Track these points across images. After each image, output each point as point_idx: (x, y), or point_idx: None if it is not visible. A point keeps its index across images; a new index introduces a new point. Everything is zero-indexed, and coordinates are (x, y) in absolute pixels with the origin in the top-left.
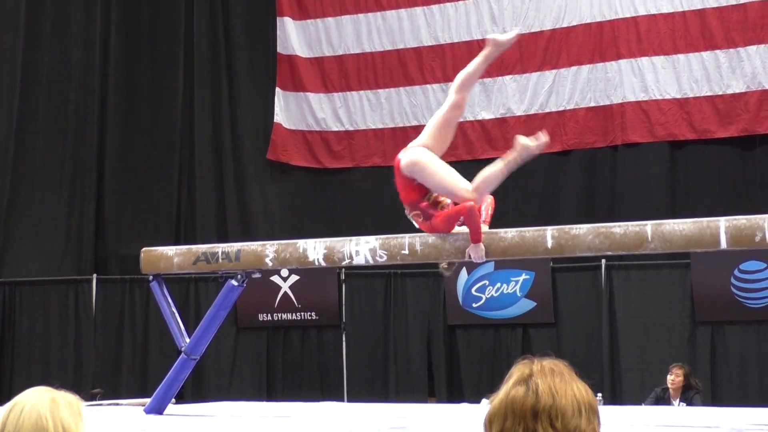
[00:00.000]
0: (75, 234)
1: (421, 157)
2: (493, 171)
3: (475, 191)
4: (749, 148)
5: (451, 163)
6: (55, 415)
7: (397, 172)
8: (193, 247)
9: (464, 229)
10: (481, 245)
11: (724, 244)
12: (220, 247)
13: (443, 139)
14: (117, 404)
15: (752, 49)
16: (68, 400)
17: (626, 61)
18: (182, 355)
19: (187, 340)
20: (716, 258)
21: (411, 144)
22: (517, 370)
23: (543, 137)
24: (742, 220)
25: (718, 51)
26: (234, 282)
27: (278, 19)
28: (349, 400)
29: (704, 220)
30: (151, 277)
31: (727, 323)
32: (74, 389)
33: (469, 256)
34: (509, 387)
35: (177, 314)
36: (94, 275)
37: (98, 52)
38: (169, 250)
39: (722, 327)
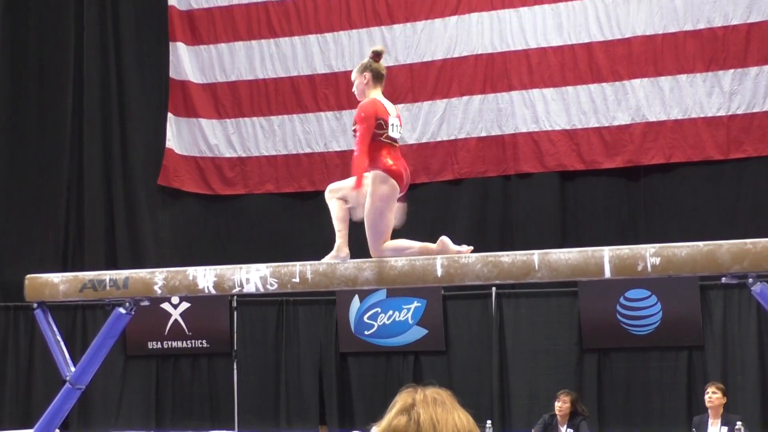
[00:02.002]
0: None
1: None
2: (410, 248)
3: (383, 248)
4: (634, 179)
5: None
6: None
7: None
8: (80, 274)
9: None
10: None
11: (608, 273)
12: (107, 275)
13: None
14: None
15: (636, 82)
16: None
17: (517, 93)
18: (67, 385)
19: (73, 369)
20: (603, 286)
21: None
22: (401, 399)
23: (466, 248)
24: (625, 249)
25: (604, 84)
26: (122, 310)
27: (171, 44)
28: (240, 429)
29: (589, 250)
30: (35, 305)
31: (613, 350)
32: None
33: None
34: (392, 416)
35: (62, 343)
36: None
37: None
38: (55, 278)
39: (608, 354)
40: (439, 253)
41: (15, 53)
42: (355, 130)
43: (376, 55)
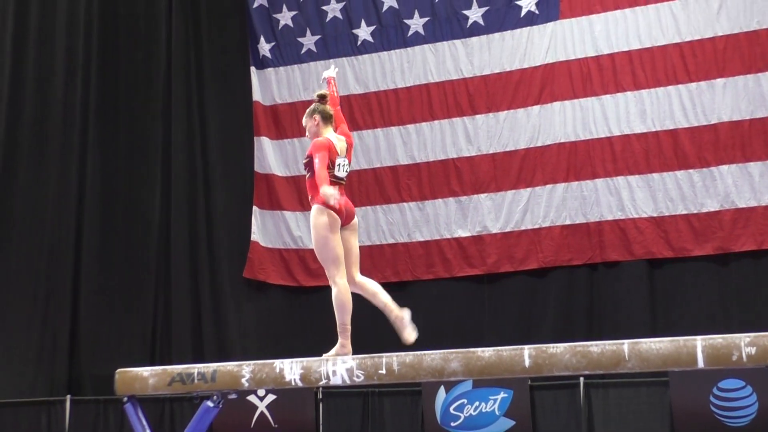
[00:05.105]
0: (48, 353)
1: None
2: (375, 297)
3: (344, 280)
4: (724, 265)
5: (429, 281)
6: None
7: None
8: (169, 367)
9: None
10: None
11: (701, 363)
12: (195, 368)
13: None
14: None
15: (725, 168)
16: None
17: (602, 180)
18: None
19: None
20: (695, 376)
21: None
22: None
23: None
24: (718, 339)
25: (691, 170)
26: (210, 403)
27: (255, 138)
28: None
29: (681, 339)
30: (125, 399)
31: None
32: None
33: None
34: None
35: None
36: (68, 396)
37: (75, 167)
38: (144, 371)
39: None
40: (395, 319)
41: (105, 150)
42: (306, 164)
43: (322, 98)
